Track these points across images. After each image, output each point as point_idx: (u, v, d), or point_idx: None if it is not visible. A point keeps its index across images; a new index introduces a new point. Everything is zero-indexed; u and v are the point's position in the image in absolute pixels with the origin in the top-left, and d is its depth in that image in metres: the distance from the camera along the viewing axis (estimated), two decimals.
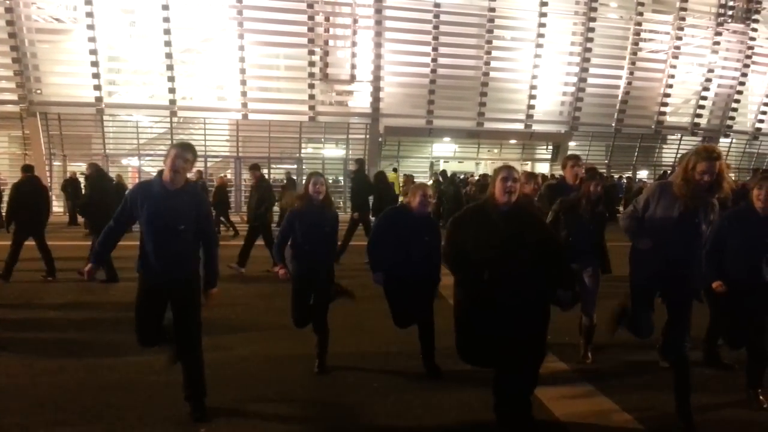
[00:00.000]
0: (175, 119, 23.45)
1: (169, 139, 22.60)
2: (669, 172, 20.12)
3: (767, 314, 4.68)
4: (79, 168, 21.82)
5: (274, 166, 24.34)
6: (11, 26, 20.99)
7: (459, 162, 27.16)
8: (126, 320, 5.07)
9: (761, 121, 29.57)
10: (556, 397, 4.79)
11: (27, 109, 21.92)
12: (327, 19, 23.75)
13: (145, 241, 4.25)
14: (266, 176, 23.56)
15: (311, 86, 23.45)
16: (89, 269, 4.43)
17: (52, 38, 23.13)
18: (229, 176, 24.73)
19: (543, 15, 24.45)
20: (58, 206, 22.65)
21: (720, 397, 4.85)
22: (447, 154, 27.87)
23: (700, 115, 27.73)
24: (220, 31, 22.74)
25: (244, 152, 24.43)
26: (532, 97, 25.22)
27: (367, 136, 24.80)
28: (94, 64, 21.59)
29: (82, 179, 14.63)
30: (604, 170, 25.79)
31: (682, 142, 27.84)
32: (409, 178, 18.21)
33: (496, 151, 27.77)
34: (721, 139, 28.77)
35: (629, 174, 27.64)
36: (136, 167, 23.89)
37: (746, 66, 27.73)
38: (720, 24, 26.65)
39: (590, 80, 25.71)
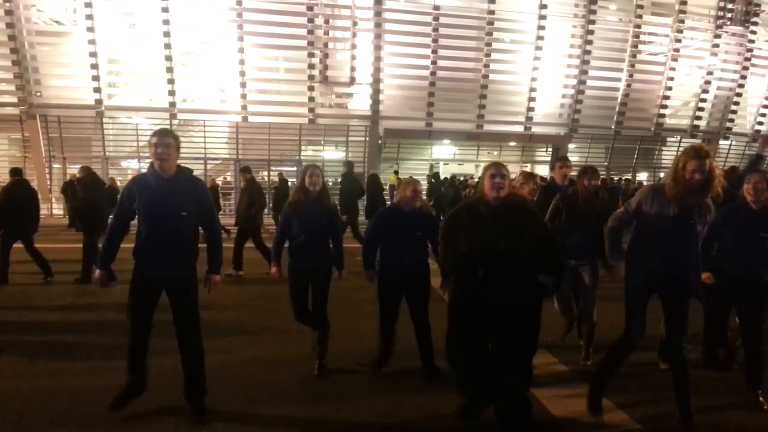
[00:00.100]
0: (174, 121, 23.46)
1: None
2: None
3: (763, 313, 4.70)
4: (77, 170, 21.86)
5: (273, 168, 24.35)
6: (11, 29, 21.03)
7: (459, 164, 27.19)
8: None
9: (760, 123, 29.60)
10: (554, 397, 4.80)
11: (27, 111, 21.95)
12: (326, 22, 23.79)
13: (145, 234, 4.20)
14: (265, 178, 23.86)
15: (311, 89, 23.49)
16: (100, 277, 4.31)
17: (51, 41, 23.17)
18: (228, 179, 24.78)
19: (542, 17, 24.50)
20: (58, 208, 22.71)
21: (720, 398, 4.85)
22: (447, 157, 27.90)
23: (699, 117, 27.79)
24: (220, 34, 22.79)
25: (244, 155, 24.47)
26: (531, 99, 25.27)
27: (367, 139, 24.83)
28: (94, 66, 21.63)
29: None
30: (604, 172, 25.81)
31: (681, 144, 27.87)
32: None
33: (495, 153, 27.79)
34: (721, 141, 28.83)
35: (628, 176, 27.65)
36: (136, 169, 23.89)
37: (745, 68, 27.79)
38: (719, 26, 26.71)
39: (590, 82, 25.77)
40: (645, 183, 26.11)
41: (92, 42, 21.44)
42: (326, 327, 5.33)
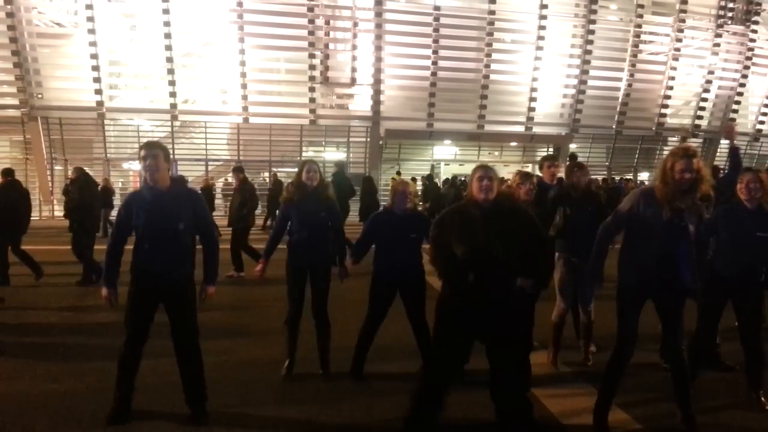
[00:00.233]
0: (176, 123, 23.51)
1: (171, 143, 22.64)
2: None
3: (760, 312, 4.69)
4: None
5: (275, 169, 24.38)
6: (12, 31, 21.06)
7: (460, 164, 27.16)
8: None
9: (762, 122, 29.58)
10: (553, 396, 4.81)
11: (28, 113, 21.98)
12: (327, 23, 23.80)
13: (142, 246, 4.22)
14: (266, 179, 23.87)
15: (312, 89, 23.50)
16: (108, 296, 4.30)
17: (53, 43, 23.22)
18: (230, 180, 24.76)
19: (543, 17, 24.49)
20: (59, 210, 22.71)
21: (721, 399, 4.85)
22: (448, 157, 27.90)
23: (700, 117, 27.76)
24: (221, 35, 22.81)
25: (245, 156, 24.49)
26: (532, 99, 25.25)
27: (368, 139, 24.85)
28: (95, 68, 21.66)
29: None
30: (605, 172, 25.81)
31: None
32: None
33: (496, 153, 27.80)
34: (722, 141, 28.78)
35: (629, 176, 27.63)
36: (137, 171, 23.90)
37: (746, 67, 27.77)
38: (720, 26, 26.68)
39: (591, 82, 25.74)
40: (646, 182, 26.10)
41: (93, 44, 21.46)
42: (327, 327, 5.32)
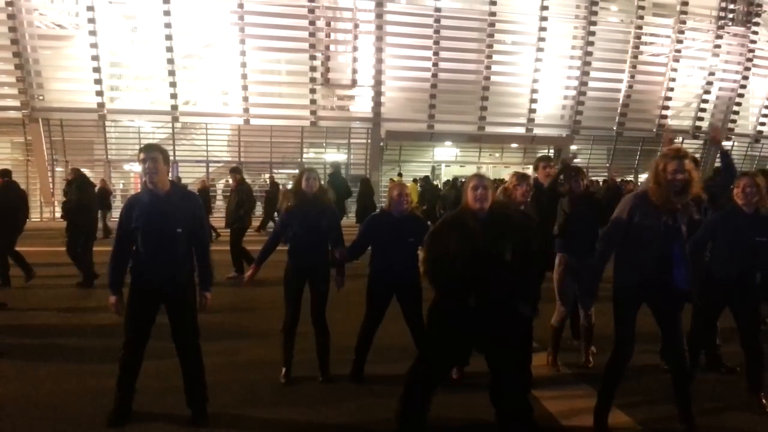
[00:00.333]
0: (177, 125, 23.52)
1: (172, 144, 22.66)
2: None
3: (759, 314, 4.68)
4: None
5: (276, 171, 24.38)
6: (14, 32, 21.09)
7: (461, 166, 27.16)
8: None
9: (763, 124, 29.55)
10: (554, 398, 4.81)
11: (29, 115, 22.00)
12: (328, 24, 23.81)
13: (141, 250, 4.23)
14: (267, 181, 23.84)
15: (312, 91, 23.51)
16: (114, 303, 4.30)
17: (54, 44, 23.25)
18: (231, 181, 24.74)
19: (544, 19, 24.50)
20: (60, 212, 22.71)
21: (722, 401, 4.84)
22: (448, 159, 27.91)
23: (701, 119, 27.74)
24: (222, 37, 22.82)
25: (246, 157, 24.51)
26: (533, 101, 25.26)
27: (369, 141, 24.86)
28: (96, 70, 21.68)
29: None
30: (606, 174, 25.78)
31: (683, 146, 27.79)
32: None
33: (497, 155, 27.80)
34: (723, 142, 28.70)
35: (630, 177, 27.61)
36: (138, 173, 23.89)
37: (747, 69, 27.74)
38: (721, 27, 26.67)
39: (591, 84, 25.73)
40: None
41: (94, 45, 21.49)
42: (326, 334, 5.32)
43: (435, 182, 21.66)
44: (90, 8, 21.21)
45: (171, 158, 4.42)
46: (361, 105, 24.76)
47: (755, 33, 27.44)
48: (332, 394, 4.96)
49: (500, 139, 26.46)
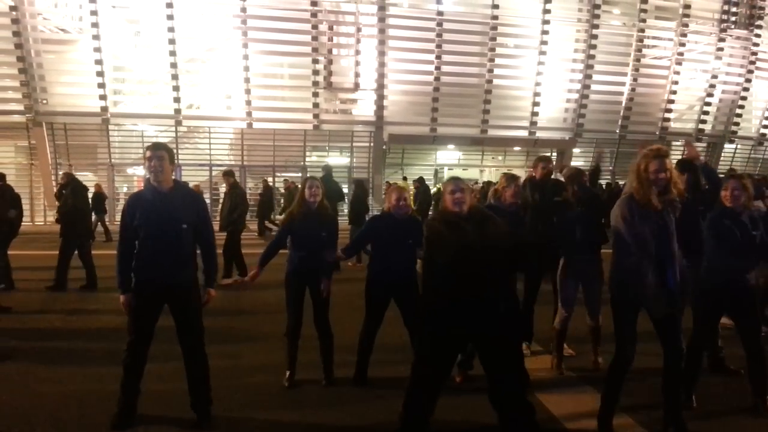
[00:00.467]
0: (180, 128, 23.56)
1: (175, 148, 22.63)
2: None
3: (757, 316, 4.66)
4: (84, 177, 21.94)
5: (278, 174, 24.40)
6: (17, 37, 21.14)
7: (463, 169, 27.17)
8: None
9: (766, 126, 29.51)
10: (557, 401, 4.81)
11: (33, 119, 22.04)
12: (331, 28, 23.86)
13: (144, 248, 4.22)
14: (270, 184, 23.89)
15: (315, 95, 23.55)
16: (125, 302, 4.28)
17: (57, 49, 23.28)
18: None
19: (546, 22, 24.50)
20: None
21: (725, 404, 4.83)
22: (451, 162, 27.90)
23: (704, 121, 27.70)
24: (225, 41, 22.87)
25: (249, 161, 24.56)
26: (535, 104, 25.25)
27: (371, 144, 24.87)
28: (100, 74, 21.72)
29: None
30: (609, 177, 25.77)
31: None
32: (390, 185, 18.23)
33: (500, 158, 27.79)
34: (726, 145, 28.72)
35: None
36: (142, 176, 23.95)
37: (750, 72, 27.69)
38: (723, 30, 26.65)
39: (594, 87, 25.72)
40: None
41: (98, 50, 21.53)
42: (330, 338, 5.33)
43: (438, 186, 21.60)
44: (93, 13, 21.26)
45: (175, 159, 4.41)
46: (364, 108, 24.79)
47: (758, 36, 27.39)
48: (336, 397, 4.97)
49: (503, 142, 26.46)
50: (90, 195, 11.73)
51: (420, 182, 19.19)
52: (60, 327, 7.33)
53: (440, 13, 23.84)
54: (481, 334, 3.78)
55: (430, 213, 16.75)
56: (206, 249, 4.48)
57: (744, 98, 28.12)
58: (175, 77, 22.31)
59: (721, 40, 26.77)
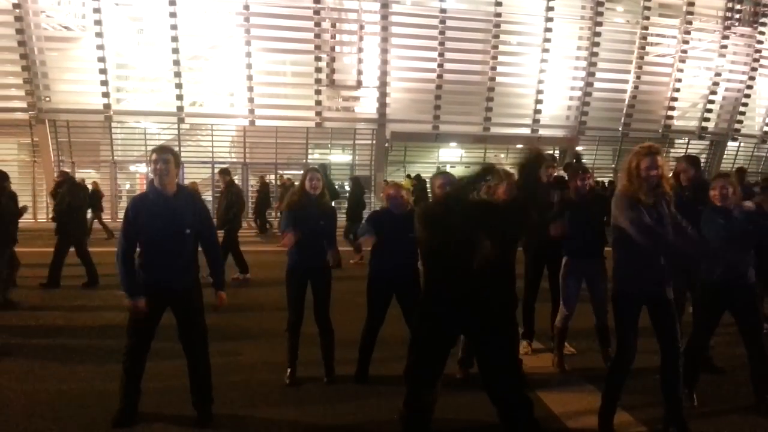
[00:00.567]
0: (182, 126, 23.58)
1: (177, 145, 22.71)
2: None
3: (758, 313, 4.64)
4: (87, 174, 22.01)
5: (281, 172, 24.42)
6: (21, 34, 21.18)
7: (466, 167, 27.10)
8: None
9: None
10: (559, 399, 4.80)
11: (36, 116, 22.08)
12: (333, 26, 23.83)
13: (148, 251, 4.23)
14: (273, 182, 23.92)
15: (318, 92, 23.53)
16: (131, 305, 4.21)
17: (60, 46, 23.35)
18: (236, 182, 24.80)
19: (549, 20, 24.44)
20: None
21: (727, 403, 4.83)
22: (454, 159, 27.88)
23: (707, 119, 27.62)
24: (228, 38, 22.88)
25: (252, 158, 24.58)
26: (538, 101, 25.21)
27: (374, 142, 24.86)
28: (103, 71, 21.75)
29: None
30: (611, 175, 25.73)
31: (689, 146, 27.73)
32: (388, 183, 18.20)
33: (502, 155, 27.69)
34: (729, 143, 28.65)
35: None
36: (144, 174, 24.01)
37: (754, 69, 27.60)
38: (727, 27, 26.56)
39: (597, 84, 25.66)
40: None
41: (101, 47, 21.54)
42: (330, 333, 5.34)
43: (423, 180, 21.48)
44: (96, 10, 21.27)
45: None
46: (366, 106, 24.77)
47: (762, 33, 27.29)
48: (337, 394, 4.97)
49: (506, 139, 26.39)
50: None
51: (417, 179, 19.21)
52: (62, 324, 7.35)
53: (443, 11, 23.80)
54: (475, 327, 3.73)
55: None
56: (211, 252, 4.51)
57: (747, 96, 28.04)
58: (177, 75, 22.32)
59: (725, 37, 26.69)
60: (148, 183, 4.35)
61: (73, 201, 9.90)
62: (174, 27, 21.74)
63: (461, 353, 5.23)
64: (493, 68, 24.61)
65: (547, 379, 5.30)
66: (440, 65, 24.03)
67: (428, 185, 19.19)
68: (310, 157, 25.12)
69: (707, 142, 28.42)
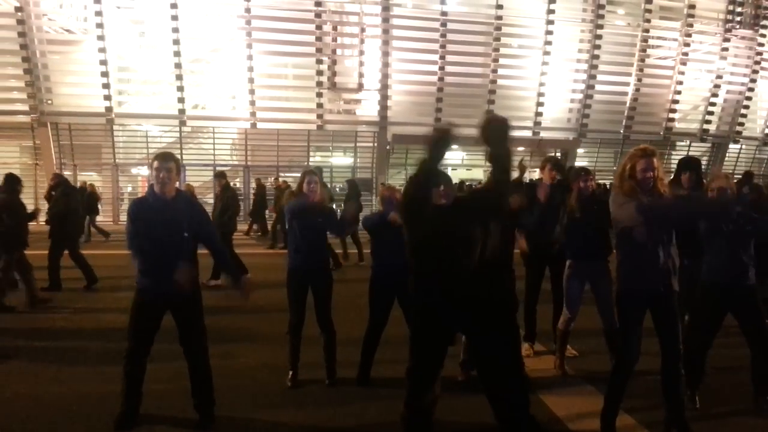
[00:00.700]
0: (184, 129, 23.61)
1: (179, 148, 22.75)
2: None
3: (759, 314, 4.59)
4: (89, 177, 22.06)
5: (282, 174, 24.42)
6: (23, 37, 21.25)
7: (467, 169, 27.10)
8: None
9: None
10: (561, 402, 4.80)
11: (38, 119, 22.14)
12: (335, 29, 23.89)
13: (147, 254, 4.24)
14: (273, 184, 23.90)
15: (319, 95, 23.57)
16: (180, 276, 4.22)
17: (62, 49, 23.38)
18: (238, 184, 24.85)
19: (550, 22, 24.47)
20: None
21: (726, 405, 4.81)
22: (455, 162, 27.85)
23: (709, 122, 27.62)
24: (229, 41, 22.92)
25: (253, 161, 24.60)
26: (540, 104, 25.21)
27: (375, 144, 24.87)
28: (104, 74, 21.80)
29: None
30: (613, 177, 25.69)
31: (691, 149, 27.73)
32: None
33: None
34: (731, 145, 28.64)
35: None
36: (146, 177, 24.03)
37: (755, 72, 27.61)
38: (728, 30, 26.56)
39: (598, 87, 25.68)
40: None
41: (102, 50, 21.61)
42: (332, 335, 5.33)
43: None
44: (98, 13, 21.33)
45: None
46: (368, 109, 24.80)
47: (763, 36, 27.30)
48: (339, 397, 4.97)
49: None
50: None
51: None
52: (64, 326, 7.35)
53: (444, 14, 23.83)
54: (465, 314, 3.64)
55: None
56: (216, 251, 4.59)
57: (749, 98, 28.03)
58: (179, 77, 22.37)
59: (726, 40, 26.70)
60: (148, 188, 4.38)
61: (69, 204, 9.91)
62: (176, 30, 21.79)
63: (462, 355, 5.22)
64: (494, 71, 24.62)
65: (549, 382, 5.29)
66: (441, 68, 24.05)
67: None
68: (311, 159, 25.13)
69: (709, 145, 28.40)
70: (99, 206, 18.98)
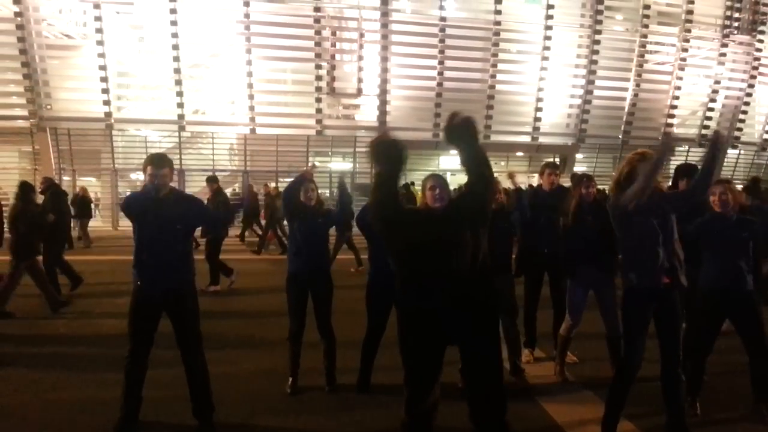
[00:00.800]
0: (183, 134, 23.62)
1: (178, 153, 22.75)
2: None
3: (758, 320, 4.58)
4: (88, 182, 22.05)
5: (282, 179, 24.42)
6: (22, 42, 21.25)
7: (466, 175, 27.14)
8: None
9: None
10: (559, 406, 4.80)
11: (37, 124, 22.13)
12: (334, 34, 23.92)
13: (140, 248, 4.25)
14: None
15: (318, 100, 23.59)
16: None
17: (62, 54, 23.42)
18: (237, 190, 24.84)
19: (549, 28, 24.52)
20: None
21: (729, 410, 4.81)
22: (454, 167, 27.88)
23: (707, 127, 27.62)
24: (228, 46, 22.95)
25: (252, 166, 24.59)
26: (538, 109, 25.25)
27: None
28: (104, 79, 21.80)
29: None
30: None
31: (689, 154, 27.75)
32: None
33: (502, 163, 27.72)
34: (729, 151, 28.66)
35: None
36: (144, 182, 23.98)
37: (753, 77, 27.66)
38: (726, 35, 26.64)
39: (596, 92, 25.72)
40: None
41: (102, 55, 21.62)
42: (332, 341, 5.33)
43: (411, 189, 21.51)
44: (97, 18, 21.36)
45: (176, 167, 4.49)
46: (367, 114, 24.82)
47: (761, 41, 27.36)
48: (338, 404, 4.96)
49: (505, 147, 26.40)
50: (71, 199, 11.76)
51: (405, 188, 19.23)
52: (62, 333, 7.33)
53: (443, 19, 23.89)
54: (459, 332, 3.61)
55: None
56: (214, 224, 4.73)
57: (747, 104, 28.08)
58: (178, 83, 22.38)
59: (724, 45, 26.76)
60: (144, 185, 4.37)
61: (58, 207, 9.90)
62: (175, 35, 21.81)
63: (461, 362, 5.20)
64: (493, 76, 24.66)
65: (549, 388, 5.29)
66: (440, 73, 24.09)
67: (415, 194, 19.36)
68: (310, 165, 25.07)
69: (707, 150, 28.38)
70: (96, 210, 18.87)
